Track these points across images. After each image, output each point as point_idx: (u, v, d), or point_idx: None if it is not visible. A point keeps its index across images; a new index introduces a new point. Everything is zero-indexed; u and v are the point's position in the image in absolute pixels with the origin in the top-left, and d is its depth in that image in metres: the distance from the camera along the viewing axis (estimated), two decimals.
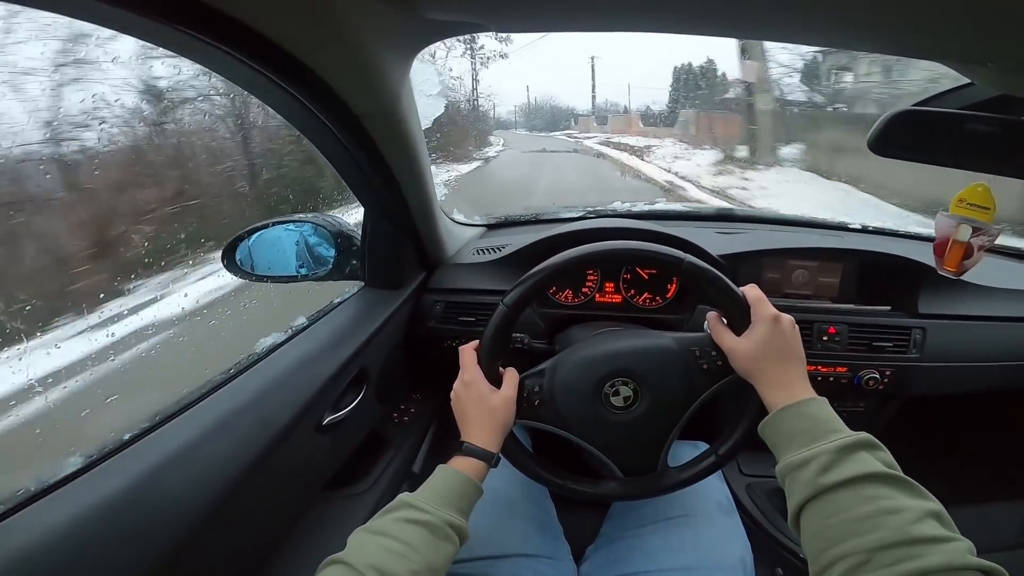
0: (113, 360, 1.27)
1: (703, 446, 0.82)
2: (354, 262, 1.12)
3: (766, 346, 0.67)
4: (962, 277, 0.84)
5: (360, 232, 1.11)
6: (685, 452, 0.85)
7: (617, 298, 1.23)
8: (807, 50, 11.85)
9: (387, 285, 1.16)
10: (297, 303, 1.09)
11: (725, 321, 0.73)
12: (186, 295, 1.99)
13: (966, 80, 0.67)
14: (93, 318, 1.25)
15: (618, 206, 1.57)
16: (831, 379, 1.14)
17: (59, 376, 1.11)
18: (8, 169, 1.16)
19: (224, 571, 0.69)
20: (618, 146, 21.02)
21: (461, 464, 0.67)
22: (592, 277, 1.23)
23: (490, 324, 0.75)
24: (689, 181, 10.56)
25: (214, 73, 0.64)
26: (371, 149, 0.85)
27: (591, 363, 0.77)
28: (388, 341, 1.14)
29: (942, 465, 1.35)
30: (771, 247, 1.20)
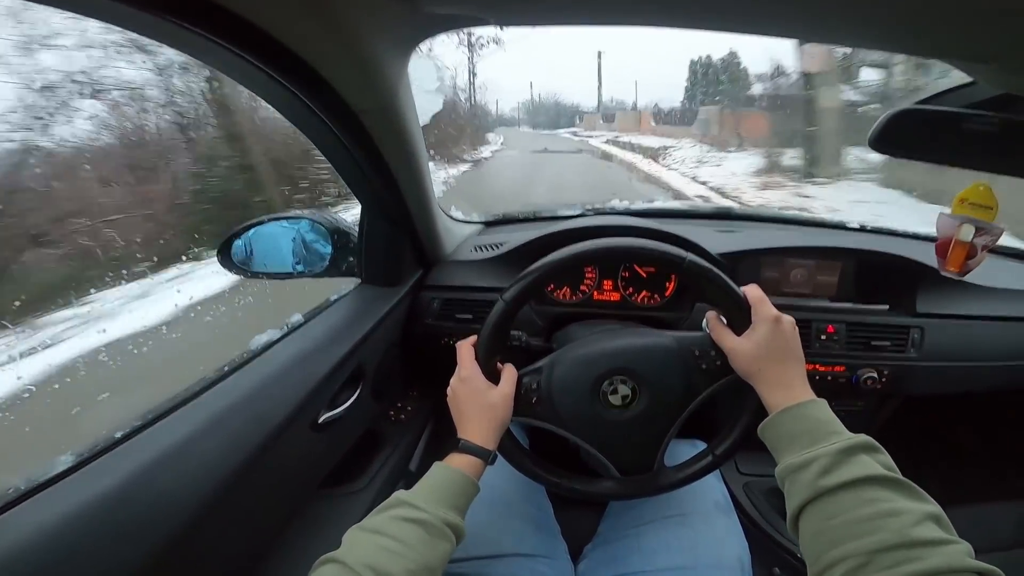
0: None
1: (701, 445, 0.81)
2: (351, 259, 1.12)
3: (767, 347, 0.67)
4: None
5: (357, 229, 1.10)
6: (683, 451, 0.85)
7: (615, 296, 1.23)
8: None
9: (384, 282, 1.16)
10: (291, 301, 1.09)
11: (724, 321, 0.73)
12: None
13: (968, 79, 0.67)
14: None
15: (616, 204, 1.57)
16: (829, 378, 1.14)
17: None
18: None
19: (218, 570, 0.68)
20: (629, 147, 19.56)
21: (458, 462, 0.66)
22: (590, 275, 1.23)
23: (488, 320, 0.74)
24: (728, 197, 8.44)
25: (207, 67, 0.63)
26: (368, 145, 0.84)
27: (590, 361, 0.76)
28: (385, 338, 1.13)
29: (939, 465, 1.36)
30: (770, 246, 1.20)
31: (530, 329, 1.12)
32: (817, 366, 1.13)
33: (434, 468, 0.65)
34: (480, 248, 1.32)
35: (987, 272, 0.89)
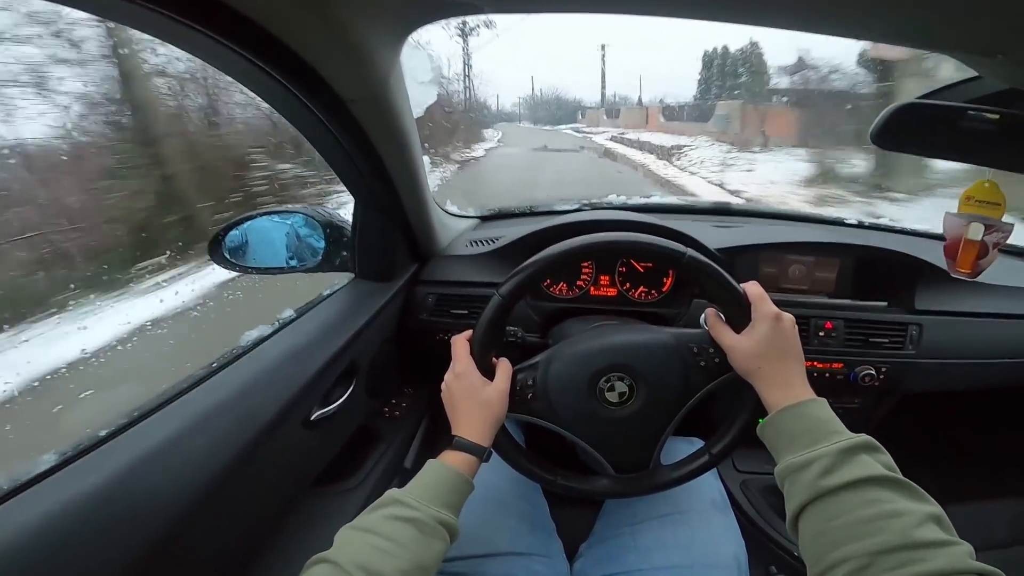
0: None
1: (698, 442, 0.81)
2: (344, 253, 1.10)
3: (767, 345, 0.66)
4: None
5: (350, 223, 1.09)
6: (680, 449, 0.84)
7: (612, 291, 1.22)
8: None
9: (378, 277, 1.14)
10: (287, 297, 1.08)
11: (723, 318, 0.72)
12: None
13: (973, 73, 0.66)
14: None
15: (613, 199, 1.56)
16: (827, 375, 1.13)
17: None
18: None
19: (208, 570, 0.67)
20: (637, 145, 18.17)
21: (452, 459, 0.65)
22: (587, 270, 1.22)
23: (484, 314, 0.73)
24: None
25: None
26: (360, 136, 0.83)
27: (587, 356, 0.75)
28: (379, 334, 1.12)
29: (937, 463, 1.36)
30: (769, 241, 1.19)
31: (526, 325, 1.11)
32: (815, 363, 1.12)
33: (428, 465, 0.64)
34: (475, 243, 1.30)
35: (987, 270, 0.88)
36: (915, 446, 1.38)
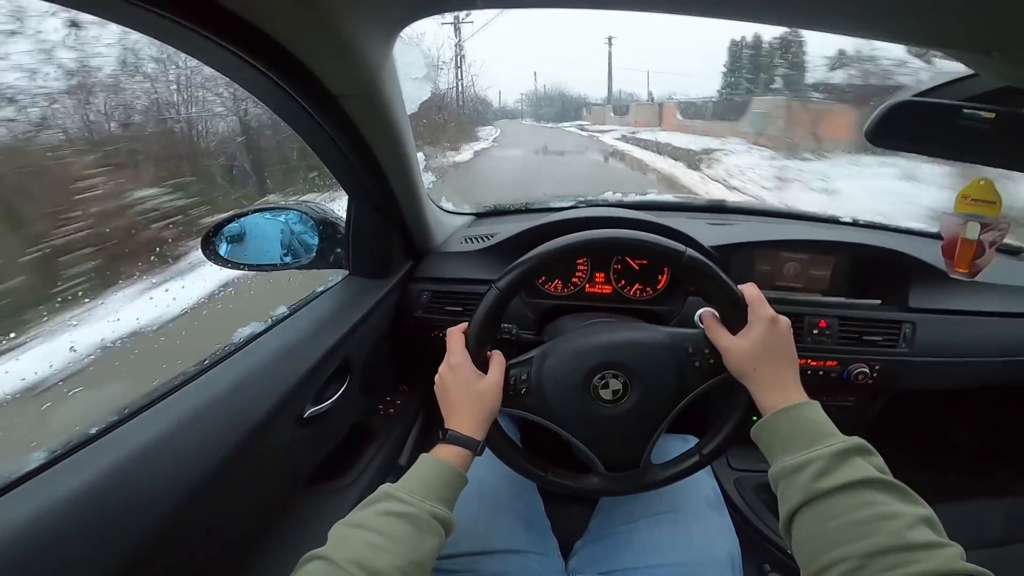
0: None
1: (692, 440, 0.81)
2: (338, 250, 1.10)
3: (762, 348, 0.66)
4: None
5: (344, 220, 1.08)
6: (674, 447, 0.84)
7: (607, 289, 1.22)
8: None
9: (372, 274, 1.14)
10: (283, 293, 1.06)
11: (719, 319, 0.72)
12: None
13: (969, 71, 0.66)
14: None
15: (609, 196, 1.56)
16: (820, 373, 1.14)
17: None
18: None
19: (200, 568, 0.67)
20: (654, 147, 15.54)
21: (445, 453, 0.65)
22: (582, 267, 1.22)
23: (480, 307, 0.73)
24: None
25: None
26: (352, 133, 0.82)
27: (582, 353, 0.75)
28: (373, 331, 1.12)
29: (930, 461, 1.36)
30: (763, 239, 1.19)
31: (521, 322, 1.10)
32: (809, 360, 1.13)
33: (421, 460, 0.64)
34: (471, 239, 1.30)
35: (984, 268, 0.89)
36: (908, 444, 1.39)
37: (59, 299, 2.05)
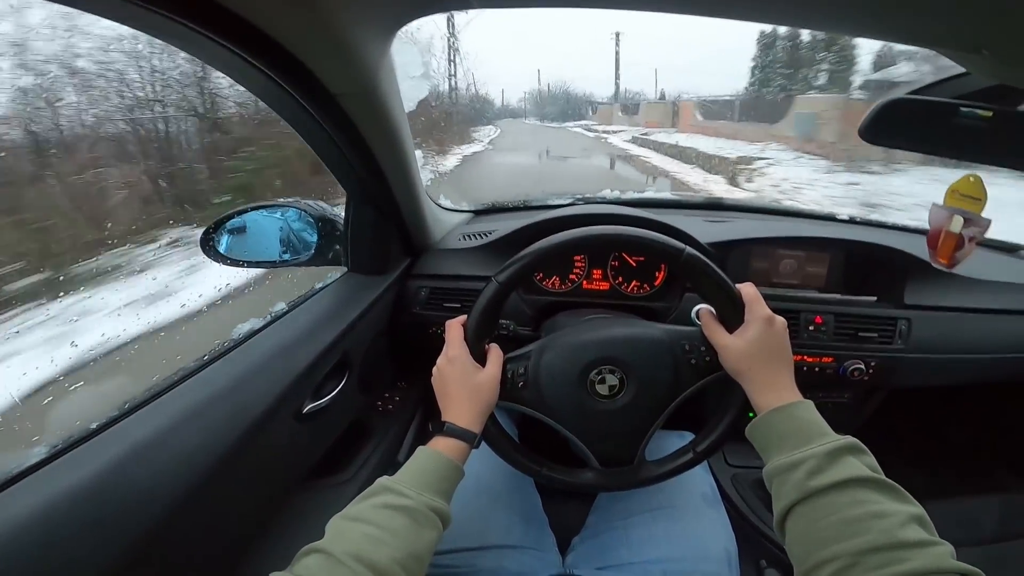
0: None
1: (689, 436, 0.81)
2: (337, 247, 1.10)
3: (758, 347, 0.66)
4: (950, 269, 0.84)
5: (343, 217, 1.09)
6: (671, 442, 0.84)
7: (605, 285, 1.22)
8: None
9: (371, 271, 1.14)
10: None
11: (715, 315, 0.72)
12: None
13: (962, 69, 0.66)
14: None
15: (607, 193, 1.56)
16: (816, 369, 1.14)
17: None
18: None
19: (199, 563, 0.67)
20: (673, 151, 13.86)
21: (442, 445, 0.65)
22: (579, 264, 1.22)
23: (479, 300, 0.73)
24: None
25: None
26: (350, 130, 0.82)
27: (579, 348, 0.76)
28: (371, 328, 1.12)
29: (925, 458, 1.37)
30: (760, 236, 1.20)
31: (518, 319, 1.11)
32: (805, 357, 1.13)
33: (418, 453, 0.64)
34: (469, 236, 1.30)
35: (975, 265, 0.89)
36: (904, 441, 1.40)
37: None
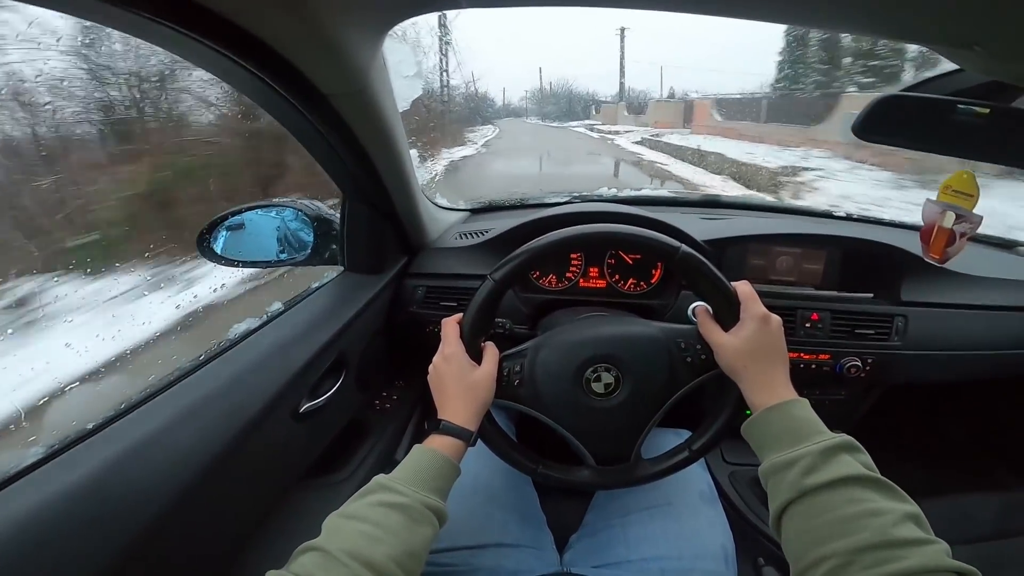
0: None
1: (686, 434, 0.81)
2: (333, 247, 1.10)
3: (754, 345, 0.67)
4: (945, 265, 0.85)
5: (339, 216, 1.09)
6: (667, 440, 0.84)
7: (601, 283, 1.22)
8: None
9: (367, 270, 1.14)
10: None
11: (711, 313, 0.72)
12: None
13: (956, 66, 0.66)
14: None
15: (604, 191, 1.56)
16: (813, 366, 1.14)
17: None
18: None
19: (196, 561, 0.67)
20: (693, 155, 12.13)
21: (438, 443, 0.65)
22: (576, 262, 1.22)
23: (475, 298, 0.73)
24: None
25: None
26: (344, 130, 0.82)
27: (575, 346, 0.76)
28: (368, 327, 1.12)
29: (922, 455, 1.37)
30: (756, 233, 1.20)
31: (515, 317, 1.11)
32: (801, 354, 1.13)
33: (414, 451, 0.64)
34: (465, 235, 1.30)
35: (971, 261, 0.89)
36: (901, 439, 1.40)
37: None
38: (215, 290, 2.15)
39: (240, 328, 0.89)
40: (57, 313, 1.45)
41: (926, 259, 0.83)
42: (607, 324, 0.80)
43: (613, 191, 1.56)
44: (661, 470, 0.76)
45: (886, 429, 1.34)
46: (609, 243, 0.76)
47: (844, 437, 0.56)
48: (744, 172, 9.88)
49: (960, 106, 0.64)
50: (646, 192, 1.61)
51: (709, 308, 0.73)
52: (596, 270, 1.22)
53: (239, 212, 1.01)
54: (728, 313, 0.70)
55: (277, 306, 0.98)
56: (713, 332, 0.70)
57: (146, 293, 1.92)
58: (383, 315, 1.19)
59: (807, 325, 1.13)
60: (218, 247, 0.99)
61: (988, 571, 0.44)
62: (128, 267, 1.99)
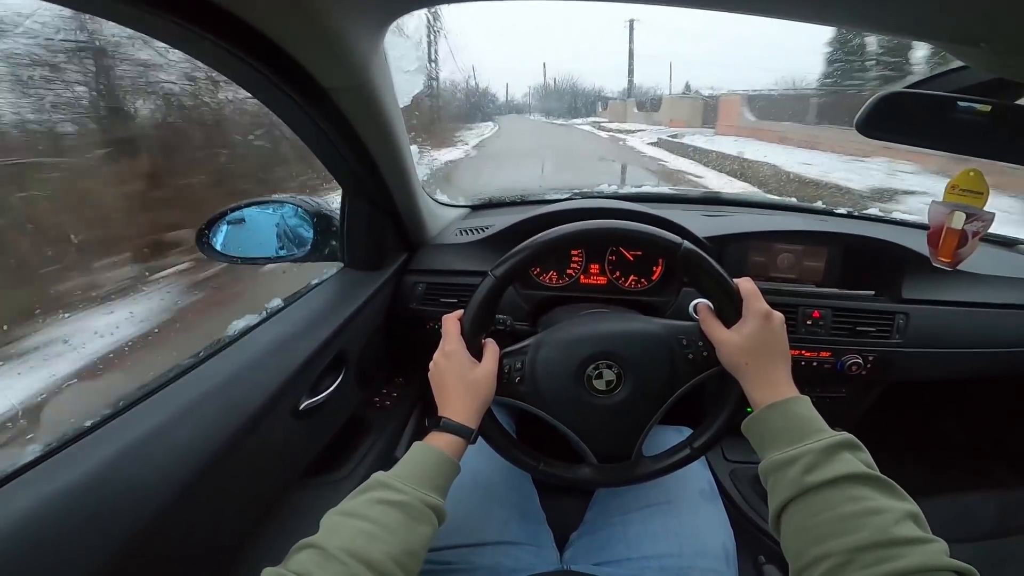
0: None
1: (687, 431, 0.81)
2: (333, 243, 1.10)
3: (756, 341, 0.66)
4: None
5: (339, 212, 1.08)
6: (669, 438, 0.84)
7: (602, 280, 1.22)
8: None
9: (367, 266, 1.14)
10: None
11: (713, 310, 0.72)
12: None
13: (961, 63, 0.66)
14: None
15: (604, 187, 1.56)
16: (814, 364, 1.14)
17: None
18: None
19: (196, 558, 0.67)
20: (734, 168, 9.43)
21: (438, 440, 0.65)
22: (577, 258, 1.22)
23: (476, 294, 0.73)
24: None
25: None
26: (344, 125, 0.82)
27: (576, 343, 0.75)
28: (368, 323, 1.12)
29: (922, 453, 1.37)
30: (758, 230, 1.19)
31: (515, 314, 1.11)
32: (803, 352, 1.13)
33: (414, 448, 0.64)
34: (465, 231, 1.30)
35: (973, 259, 0.89)
36: (902, 436, 1.40)
37: None
38: None
39: (239, 325, 0.89)
40: None
41: (935, 264, 0.81)
42: (608, 321, 0.80)
43: (613, 187, 1.55)
44: (662, 468, 0.76)
45: (887, 427, 1.34)
46: (610, 239, 0.76)
47: (845, 435, 0.56)
48: (818, 196, 6.44)
49: (961, 103, 0.64)
50: (647, 189, 1.61)
51: (711, 305, 0.72)
52: (597, 267, 1.22)
53: (239, 208, 1.00)
54: (730, 310, 0.69)
55: (276, 302, 0.98)
56: (715, 329, 0.70)
57: None
58: (383, 312, 1.19)
59: (808, 322, 1.13)
60: (217, 243, 0.99)
61: (988, 570, 0.44)
62: None
